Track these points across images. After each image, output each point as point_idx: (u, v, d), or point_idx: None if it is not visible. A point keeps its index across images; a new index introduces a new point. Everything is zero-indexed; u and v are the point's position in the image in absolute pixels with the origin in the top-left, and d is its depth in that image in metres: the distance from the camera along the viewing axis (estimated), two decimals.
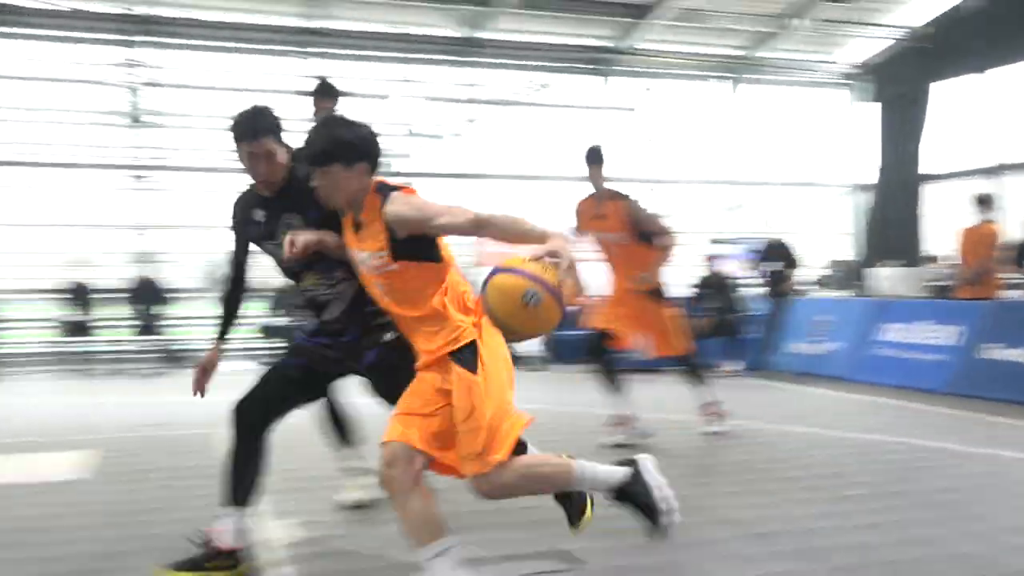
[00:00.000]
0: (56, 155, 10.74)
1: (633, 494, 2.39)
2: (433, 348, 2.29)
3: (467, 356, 2.24)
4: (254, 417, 2.60)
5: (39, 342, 10.16)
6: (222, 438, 2.72)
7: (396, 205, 2.23)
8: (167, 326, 10.22)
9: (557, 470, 2.34)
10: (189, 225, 10.90)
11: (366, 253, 2.31)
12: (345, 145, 2.28)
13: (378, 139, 2.37)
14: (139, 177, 10.99)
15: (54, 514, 3.41)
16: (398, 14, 11.10)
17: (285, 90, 10.17)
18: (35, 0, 10.26)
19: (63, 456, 4.54)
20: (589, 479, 2.38)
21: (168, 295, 10.18)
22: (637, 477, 2.40)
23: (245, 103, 2.66)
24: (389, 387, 2.57)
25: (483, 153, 12.06)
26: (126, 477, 4.05)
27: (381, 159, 2.38)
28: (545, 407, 5.54)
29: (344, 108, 3.78)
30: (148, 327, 9.95)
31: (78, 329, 9.79)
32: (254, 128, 2.57)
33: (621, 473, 2.41)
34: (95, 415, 6.25)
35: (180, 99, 11.08)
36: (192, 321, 10.61)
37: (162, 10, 10.69)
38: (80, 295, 9.89)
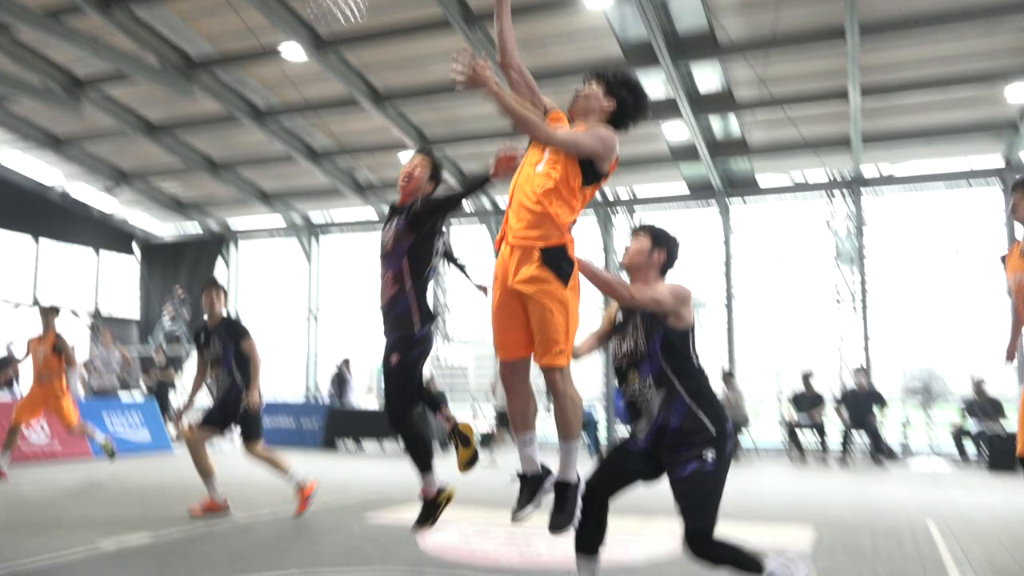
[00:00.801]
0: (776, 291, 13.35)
1: None
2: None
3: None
4: None
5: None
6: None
7: None
8: (879, 424, 11.60)
9: None
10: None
11: None
12: None
13: None
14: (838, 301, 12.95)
15: None
16: None
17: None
18: (766, 179, 13.23)
19: (787, 529, 5.63)
20: None
21: (879, 398, 11.55)
22: None
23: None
24: (693, 504, 2.98)
25: None
26: (841, 551, 4.90)
27: None
28: None
29: None
30: (862, 426, 11.42)
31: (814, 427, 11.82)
32: None
33: None
34: (814, 496, 7.40)
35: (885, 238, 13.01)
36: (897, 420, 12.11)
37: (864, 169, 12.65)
38: (808, 398, 11.76)
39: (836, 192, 13.37)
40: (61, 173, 16.07)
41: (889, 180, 13.21)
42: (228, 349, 5.99)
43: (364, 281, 17.32)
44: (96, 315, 17.18)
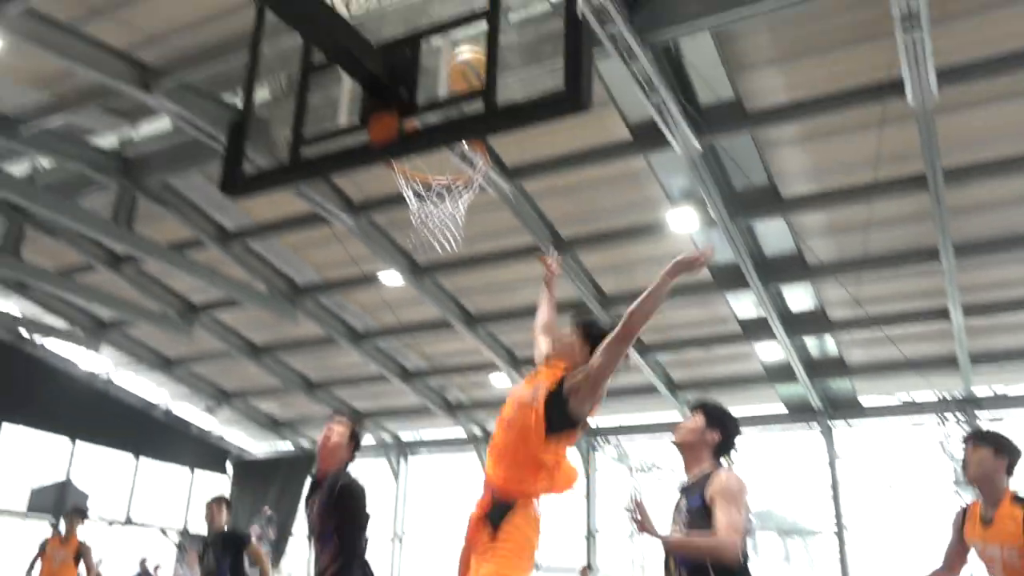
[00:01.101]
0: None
1: None
2: None
3: None
4: None
5: None
6: None
7: None
8: None
9: None
10: None
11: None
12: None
13: None
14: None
15: None
16: None
17: None
18: (870, 399, 13.01)
19: None
20: None
21: None
22: None
23: None
24: None
25: None
26: None
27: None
28: None
29: None
30: None
31: None
32: None
33: None
34: None
35: None
36: None
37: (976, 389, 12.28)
38: None
39: (948, 413, 12.77)
40: (167, 392, 16.89)
41: (1005, 401, 12.57)
42: (223, 562, 5.92)
43: (451, 503, 17.06)
44: (184, 533, 17.30)
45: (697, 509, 3.12)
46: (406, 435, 17.40)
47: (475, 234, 10.64)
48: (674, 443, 3.47)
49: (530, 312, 12.46)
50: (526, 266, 11.23)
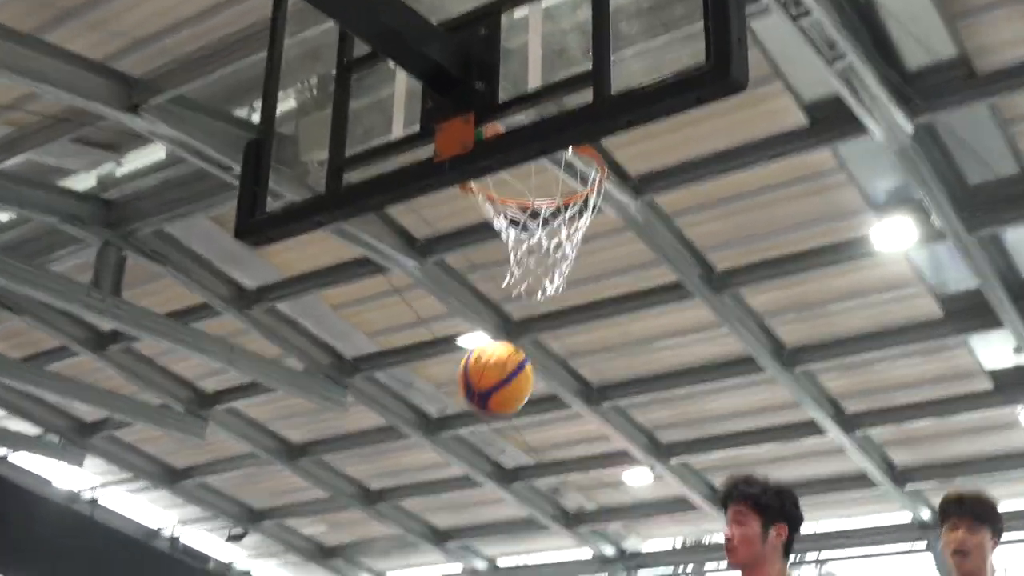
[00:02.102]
0: None
1: None
2: None
3: None
4: None
5: None
6: None
7: None
8: None
9: None
10: None
11: None
12: None
13: None
14: None
15: None
16: None
17: None
18: None
19: None
20: None
21: None
22: None
23: None
24: None
25: None
26: None
27: None
28: None
29: None
30: None
31: None
32: None
33: None
34: None
35: None
36: None
37: None
38: None
39: None
40: (174, 516, 17.36)
41: None
42: None
43: None
44: None
45: None
46: (506, 560, 17.34)
47: (592, 273, 10.71)
48: (734, 565, 3.52)
49: (675, 376, 12.36)
50: (667, 315, 11.15)
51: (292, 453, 15.07)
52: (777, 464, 13.26)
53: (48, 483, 16.19)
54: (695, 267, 10.43)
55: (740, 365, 11.60)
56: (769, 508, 3.43)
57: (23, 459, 15.92)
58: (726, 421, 13.03)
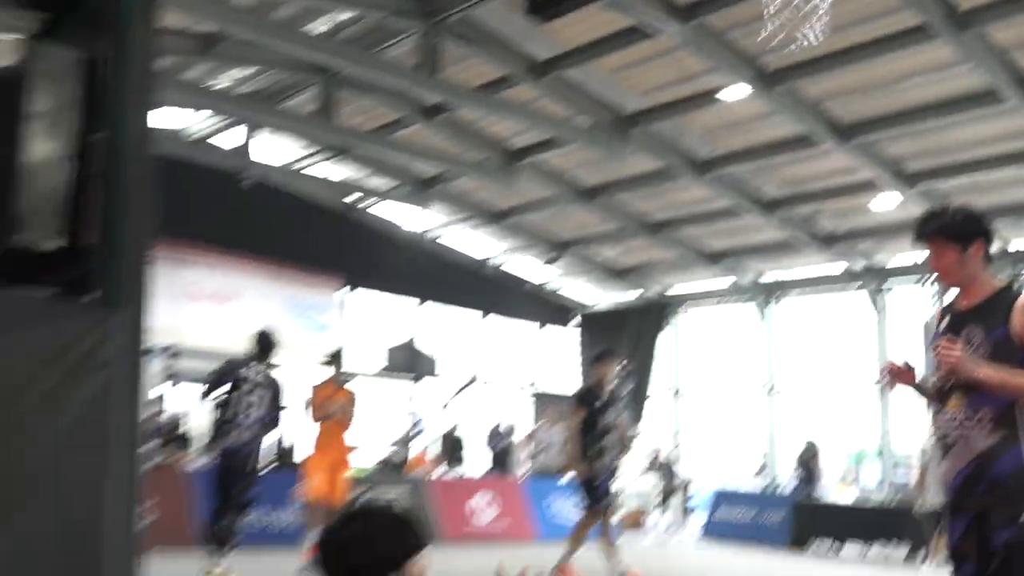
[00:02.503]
0: None
1: None
2: None
3: None
4: None
5: None
6: None
7: None
8: None
9: None
10: None
11: None
12: None
13: None
14: None
15: None
16: None
17: None
18: None
19: None
20: None
21: None
22: None
23: None
24: None
25: None
26: None
27: None
28: None
29: None
30: None
31: None
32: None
33: None
34: None
35: None
36: None
37: None
38: None
39: None
40: (503, 247, 18.05)
41: None
42: None
43: (829, 349, 16.60)
44: (537, 393, 18.79)
45: (1005, 340, 3.05)
46: (770, 275, 17.02)
47: (842, 23, 9.67)
48: (951, 286, 3.33)
49: (920, 112, 11.33)
50: (913, 55, 10.04)
51: (587, 195, 15.10)
52: (1016, 186, 12.23)
53: (400, 227, 17.15)
54: (939, 7, 9.17)
55: (982, 98, 10.39)
56: (960, 233, 3.22)
57: (382, 208, 16.81)
58: (968, 150, 11.90)
